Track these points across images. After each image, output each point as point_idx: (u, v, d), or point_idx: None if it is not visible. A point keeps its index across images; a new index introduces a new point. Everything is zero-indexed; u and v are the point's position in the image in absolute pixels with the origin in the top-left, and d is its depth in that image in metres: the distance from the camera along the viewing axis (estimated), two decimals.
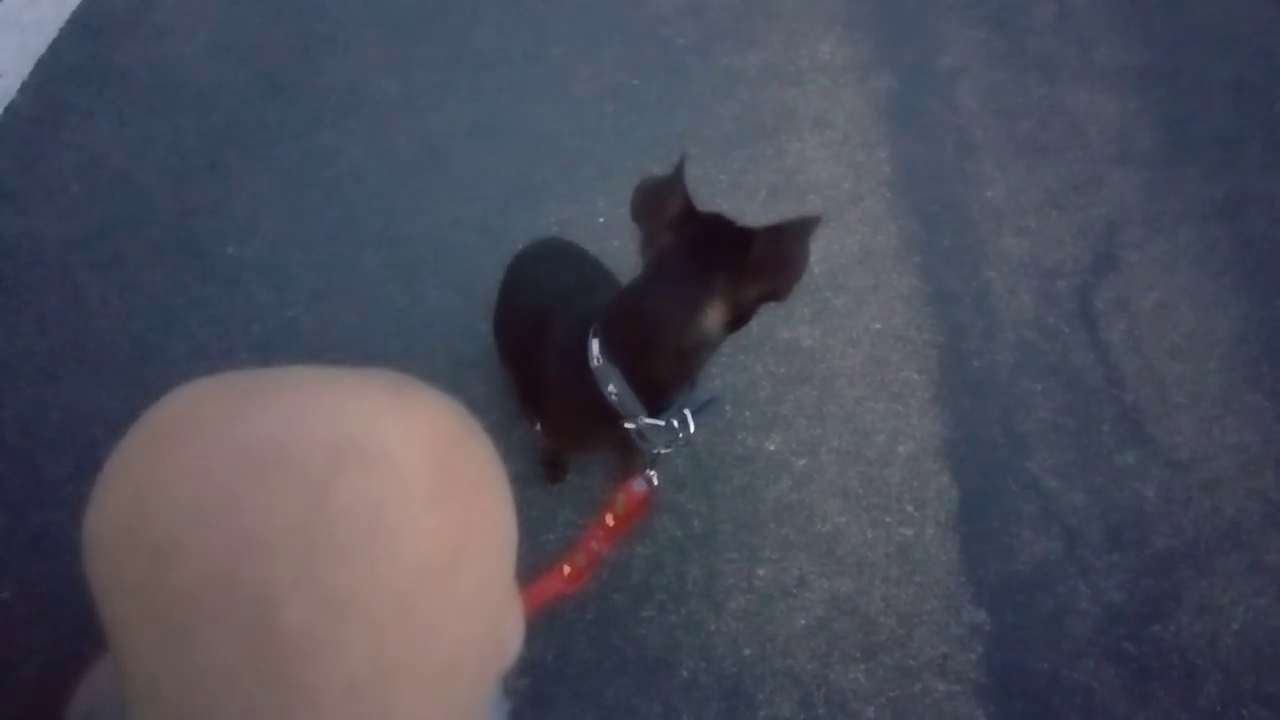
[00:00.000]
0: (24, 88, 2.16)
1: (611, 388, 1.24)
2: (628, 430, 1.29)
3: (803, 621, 1.64)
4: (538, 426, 1.73)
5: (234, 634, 0.35)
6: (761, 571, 1.69)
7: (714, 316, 1.18)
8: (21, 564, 1.57)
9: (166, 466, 0.38)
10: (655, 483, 1.35)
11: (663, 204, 1.22)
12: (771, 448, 1.82)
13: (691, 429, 1.29)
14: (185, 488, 0.37)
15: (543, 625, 1.54)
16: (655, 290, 1.22)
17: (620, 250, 1.92)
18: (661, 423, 1.27)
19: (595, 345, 1.26)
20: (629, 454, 1.56)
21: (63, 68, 2.22)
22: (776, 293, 1.19)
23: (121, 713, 1.18)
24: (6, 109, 2.12)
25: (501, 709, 0.80)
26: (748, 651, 1.61)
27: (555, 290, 1.52)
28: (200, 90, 2.24)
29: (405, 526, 0.38)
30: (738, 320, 1.21)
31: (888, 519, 1.76)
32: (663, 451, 1.33)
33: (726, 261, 1.18)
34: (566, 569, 1.37)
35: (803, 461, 1.81)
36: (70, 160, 2.08)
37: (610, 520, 1.36)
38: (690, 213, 1.22)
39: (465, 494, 0.41)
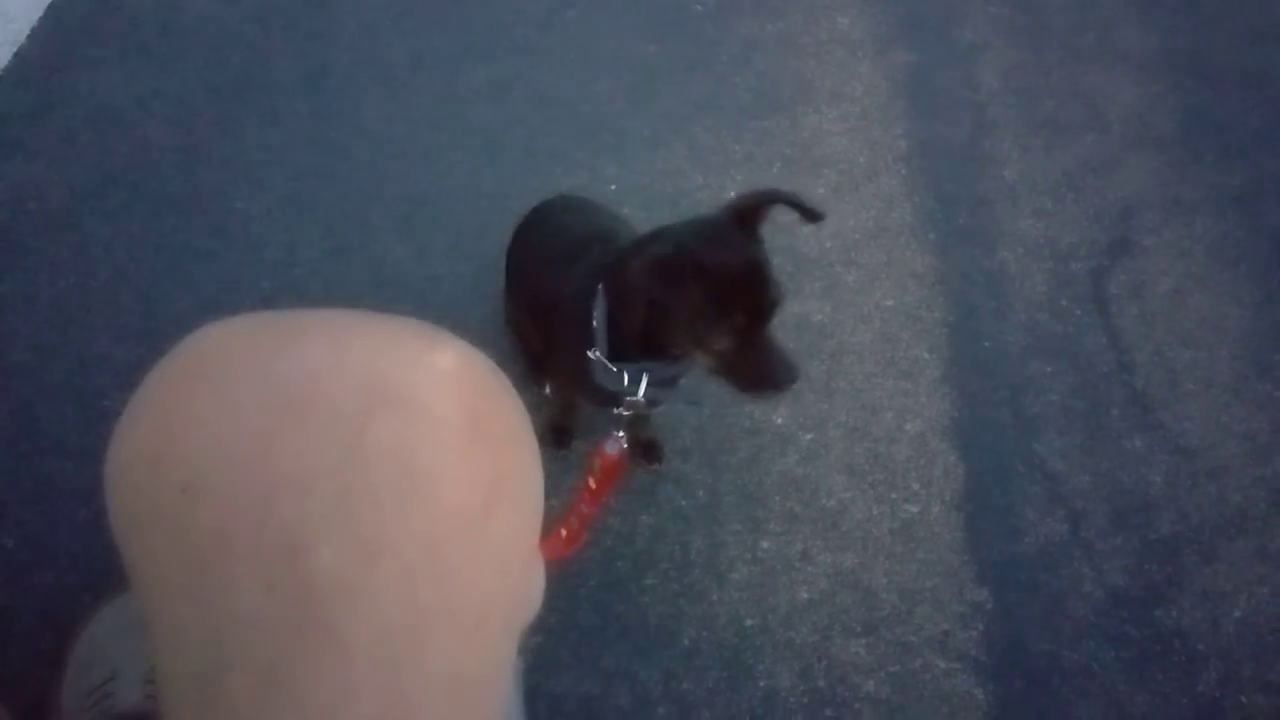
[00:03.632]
0: (34, 34, 2.13)
1: (595, 316, 1.27)
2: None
3: (805, 594, 1.64)
4: (546, 390, 1.73)
5: (264, 574, 0.34)
6: (765, 544, 1.69)
7: (642, 273, 1.16)
8: (24, 512, 1.57)
9: (197, 402, 0.37)
10: (625, 445, 1.38)
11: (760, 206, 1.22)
12: (779, 421, 1.82)
13: (640, 393, 1.31)
14: (216, 425, 0.36)
15: (545, 589, 1.55)
16: (660, 232, 1.26)
17: (632, 218, 1.90)
18: (613, 367, 1.28)
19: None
20: (636, 420, 1.57)
21: (73, 15, 2.19)
22: (670, 303, 1.18)
23: (123, 659, 1.17)
24: (16, 55, 2.09)
25: (516, 665, 0.80)
26: (749, 622, 1.61)
27: (579, 233, 1.52)
28: (210, 42, 2.21)
29: (438, 471, 0.37)
30: (664, 312, 1.20)
31: (893, 495, 1.75)
32: (624, 412, 1.34)
33: (705, 251, 1.18)
34: (564, 532, 1.40)
35: (810, 436, 1.81)
36: (79, 109, 2.06)
37: (592, 484, 1.38)
38: (754, 212, 1.22)
39: (497, 443, 0.41)
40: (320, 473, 0.35)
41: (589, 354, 1.30)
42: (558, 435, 1.71)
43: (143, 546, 0.37)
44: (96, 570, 1.47)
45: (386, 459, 0.36)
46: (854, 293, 2.00)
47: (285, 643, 0.34)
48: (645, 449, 1.71)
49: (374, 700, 0.35)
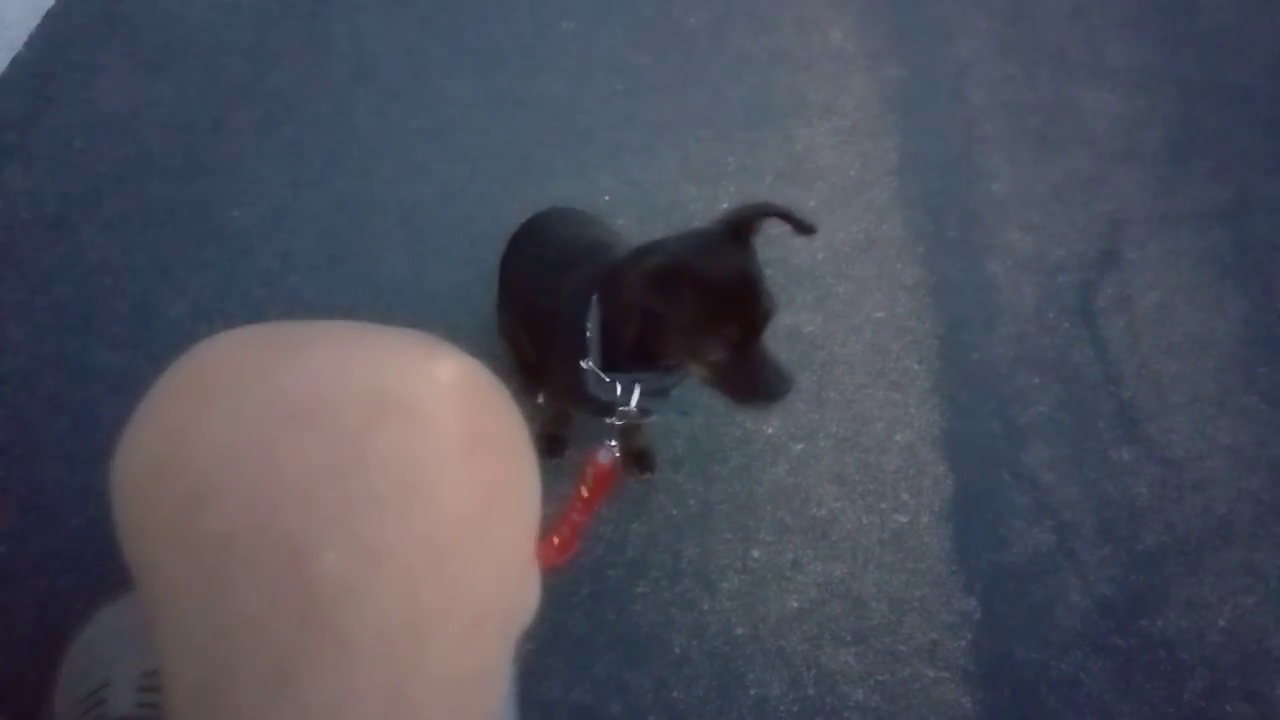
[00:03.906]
0: (31, 41, 2.14)
1: (589, 326, 1.27)
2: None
3: (795, 603, 1.65)
4: (539, 399, 1.74)
5: (268, 579, 0.35)
6: (756, 553, 1.70)
7: (638, 284, 1.17)
8: (18, 519, 1.57)
9: (204, 410, 0.38)
10: (618, 454, 1.39)
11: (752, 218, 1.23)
12: (770, 431, 1.83)
13: (632, 403, 1.33)
14: (223, 432, 0.37)
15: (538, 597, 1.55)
16: (656, 245, 1.26)
17: (626, 229, 1.91)
18: (606, 378, 1.29)
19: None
20: (628, 429, 1.58)
21: (70, 22, 2.20)
22: (666, 313, 1.19)
23: (117, 665, 1.17)
24: (13, 62, 2.10)
25: (511, 670, 0.81)
26: (739, 631, 1.62)
27: (573, 244, 1.53)
28: (207, 50, 2.22)
29: (440, 479, 0.38)
30: (658, 320, 1.21)
31: (883, 505, 1.77)
32: (616, 422, 1.36)
33: (700, 263, 1.18)
34: (556, 540, 1.40)
35: (800, 446, 1.82)
36: (75, 116, 2.07)
37: (584, 492, 1.39)
38: (748, 224, 1.23)
39: (496, 453, 0.42)
40: (324, 480, 0.36)
41: (582, 364, 1.31)
42: (551, 444, 1.72)
43: (149, 552, 0.38)
44: (90, 576, 1.47)
45: (389, 467, 0.37)
46: (845, 304, 2.01)
47: (290, 645, 0.35)
48: (637, 458, 1.72)
49: (377, 701, 0.36)
